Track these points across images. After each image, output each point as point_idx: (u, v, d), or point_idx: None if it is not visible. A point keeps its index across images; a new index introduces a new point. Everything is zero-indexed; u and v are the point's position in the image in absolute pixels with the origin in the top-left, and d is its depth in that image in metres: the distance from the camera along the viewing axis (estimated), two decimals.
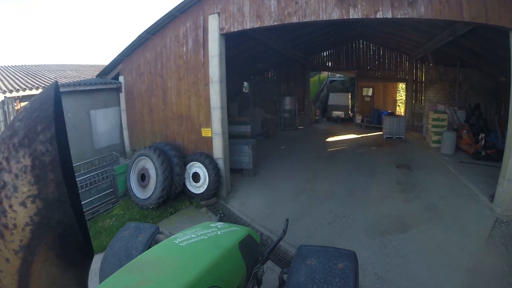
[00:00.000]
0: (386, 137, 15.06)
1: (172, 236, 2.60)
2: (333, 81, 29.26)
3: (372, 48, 18.09)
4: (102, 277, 2.65)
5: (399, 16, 6.33)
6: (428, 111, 14.58)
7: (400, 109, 19.01)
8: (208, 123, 8.49)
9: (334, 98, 20.47)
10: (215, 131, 8.33)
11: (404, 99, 18.12)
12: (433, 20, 6.61)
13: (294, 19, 7.08)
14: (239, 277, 2.48)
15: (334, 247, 2.68)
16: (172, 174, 7.90)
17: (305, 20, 6.99)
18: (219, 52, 7.98)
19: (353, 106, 19.94)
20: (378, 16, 6.44)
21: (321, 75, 25.93)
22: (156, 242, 2.87)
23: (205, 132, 8.54)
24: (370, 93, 19.10)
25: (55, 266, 0.94)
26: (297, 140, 15.02)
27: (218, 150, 8.34)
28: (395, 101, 18.91)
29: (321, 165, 10.88)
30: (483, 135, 11.28)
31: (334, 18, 6.76)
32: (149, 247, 2.80)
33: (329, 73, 29.25)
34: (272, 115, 17.67)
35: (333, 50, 18.77)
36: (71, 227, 0.93)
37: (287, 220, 4.00)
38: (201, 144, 8.72)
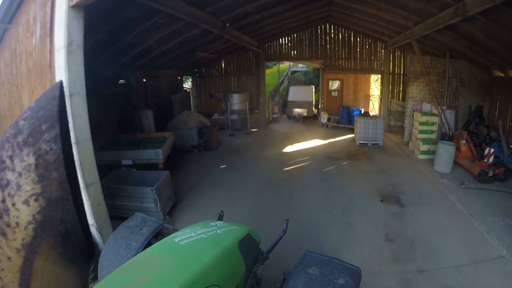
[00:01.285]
0: (360, 143, 11.80)
1: (172, 235, 2.55)
2: (295, 72, 25.93)
3: (341, 33, 14.71)
4: (101, 263, 2.45)
5: None
6: (412, 112, 11.45)
7: (374, 106, 15.81)
8: None
9: (295, 93, 17.03)
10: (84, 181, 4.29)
11: (379, 94, 14.94)
12: None
13: None
14: (239, 276, 2.44)
15: (340, 260, 2.46)
16: None
17: None
18: (68, 41, 4.05)
19: (318, 102, 16.50)
20: None
21: (281, 65, 22.31)
22: (157, 237, 2.84)
23: None
24: (337, 87, 15.77)
25: (57, 264, 0.99)
26: (245, 152, 11.36)
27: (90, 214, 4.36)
28: (368, 96, 15.74)
29: (272, 199, 7.28)
30: (492, 150, 8.19)
31: None
32: (149, 242, 2.69)
33: (291, 63, 25.86)
34: (221, 115, 14.13)
35: (294, 36, 15.21)
36: (73, 225, 0.98)
37: (287, 219, 3.91)
38: None
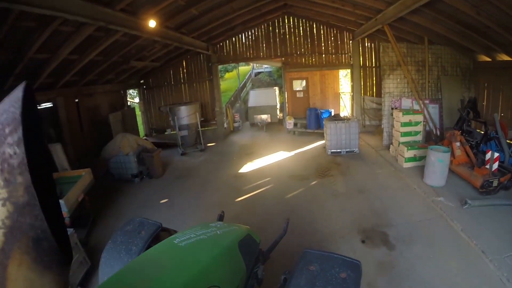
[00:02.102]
0: (332, 152, 9.84)
1: (172, 236, 2.53)
2: (259, 73, 23.96)
3: (302, 26, 12.79)
4: (103, 269, 2.62)
5: None
6: (391, 110, 9.62)
7: (345, 105, 13.95)
8: None
9: (256, 97, 15.07)
10: None
11: (350, 91, 13.08)
12: None
13: None
14: (239, 277, 2.40)
15: (339, 254, 2.48)
16: None
17: None
18: None
19: (283, 105, 14.49)
20: None
21: (242, 67, 20.26)
22: (157, 239, 2.86)
23: None
24: (303, 87, 13.81)
25: (31, 270, 0.90)
26: (194, 177, 9.24)
27: None
28: (338, 94, 13.82)
29: None
30: (496, 154, 6.39)
31: None
32: (149, 245, 2.73)
33: (254, 64, 23.85)
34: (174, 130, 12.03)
35: (248, 34, 13.15)
36: (43, 231, 0.90)
37: (287, 219, 3.97)
38: None
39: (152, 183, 9.02)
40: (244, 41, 13.19)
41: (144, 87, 14.32)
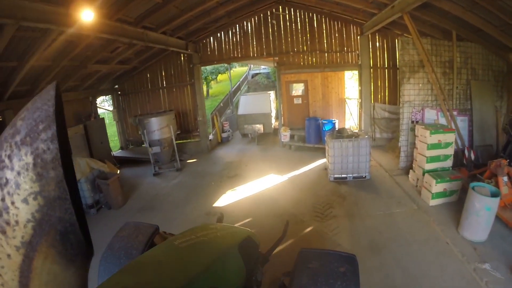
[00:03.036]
0: (335, 178, 7.73)
1: (171, 237, 2.55)
2: (256, 74, 21.84)
3: (300, 18, 10.66)
4: (101, 277, 2.57)
5: None
6: (410, 123, 7.54)
7: (352, 113, 11.77)
8: None
9: (247, 103, 13.01)
10: None
11: (358, 97, 10.92)
12: None
13: None
14: (239, 279, 2.39)
15: (334, 251, 2.60)
16: None
17: None
18: None
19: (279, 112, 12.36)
20: None
21: (238, 68, 18.25)
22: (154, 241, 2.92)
23: None
24: (301, 92, 11.67)
25: (56, 263, 0.93)
26: (158, 209, 7.44)
27: None
28: (343, 101, 11.60)
29: None
30: None
31: None
32: (149, 247, 2.74)
33: (251, 64, 21.73)
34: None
35: (236, 29, 11.04)
36: (71, 225, 0.92)
37: (287, 221, 3.93)
38: None
39: (109, 216, 7.34)
40: (231, 37, 11.08)
41: (119, 93, 12.31)
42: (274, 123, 12.87)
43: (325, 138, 8.27)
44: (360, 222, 5.86)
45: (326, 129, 9.91)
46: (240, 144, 12.62)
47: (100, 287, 1.65)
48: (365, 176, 7.75)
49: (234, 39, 11.04)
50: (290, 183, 8.07)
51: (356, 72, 11.94)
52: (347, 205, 6.56)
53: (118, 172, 9.02)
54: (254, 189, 7.83)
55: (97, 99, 11.79)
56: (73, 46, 7.07)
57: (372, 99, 10.36)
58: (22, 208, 0.88)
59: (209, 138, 12.03)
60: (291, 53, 10.86)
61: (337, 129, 9.53)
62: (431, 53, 7.55)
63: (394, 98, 10.28)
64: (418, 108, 7.80)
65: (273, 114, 12.82)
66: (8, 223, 0.89)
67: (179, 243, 2.28)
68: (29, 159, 0.89)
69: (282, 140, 11.07)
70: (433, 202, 6.11)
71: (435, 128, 6.52)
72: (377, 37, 10.20)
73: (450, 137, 6.48)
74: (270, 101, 12.86)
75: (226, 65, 18.87)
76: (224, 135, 13.15)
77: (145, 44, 8.20)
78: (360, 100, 10.66)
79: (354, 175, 7.73)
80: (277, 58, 10.97)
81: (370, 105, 10.35)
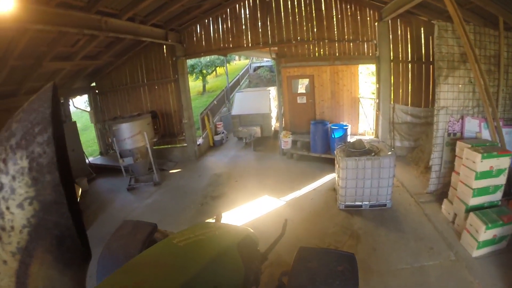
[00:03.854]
0: (346, 207, 5.98)
1: (170, 236, 2.48)
2: (259, 67, 19.98)
3: (305, 0, 8.75)
4: (99, 277, 2.55)
5: None
6: (446, 137, 5.73)
7: (366, 116, 9.91)
8: None
9: (243, 102, 11.26)
10: None
11: (375, 96, 9.06)
12: None
13: None
14: (238, 277, 2.33)
15: (333, 249, 2.73)
16: None
17: None
18: None
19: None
20: None
21: (238, 61, 16.58)
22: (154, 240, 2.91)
23: None
24: (306, 89, 9.83)
25: (53, 268, 0.92)
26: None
27: None
28: (356, 100, 9.68)
29: None
30: None
31: None
32: (148, 245, 2.71)
33: (253, 57, 19.82)
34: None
35: (226, 13, 9.19)
36: (68, 229, 0.91)
37: (286, 220, 3.84)
38: None
39: None
40: (221, 24, 9.26)
41: (96, 91, 10.66)
42: (274, 124, 11.08)
43: (336, 152, 6.44)
44: (380, 284, 4.15)
45: (336, 136, 8.11)
46: (234, 149, 10.90)
47: (98, 287, 1.61)
48: (386, 204, 5.98)
49: (225, 26, 9.22)
50: (288, 210, 6.34)
51: (369, 66, 10.01)
52: (362, 252, 4.83)
53: (80, 193, 7.51)
54: (240, 218, 6.12)
55: (71, 100, 10.21)
56: (16, 42, 5.51)
57: (391, 99, 8.50)
58: (18, 214, 0.87)
59: (198, 143, 10.34)
60: (294, 42, 9.02)
61: (350, 139, 7.72)
62: (475, 45, 5.67)
63: (418, 99, 8.43)
64: (457, 117, 5.94)
65: (274, 114, 11.02)
66: (3, 229, 0.88)
67: (178, 242, 2.18)
68: (25, 163, 0.87)
69: (282, 147, 9.31)
70: (478, 253, 4.39)
71: (486, 149, 4.70)
72: (398, 23, 8.30)
73: (505, 162, 4.68)
74: (269, 99, 11.03)
75: (222, 57, 17.05)
76: (217, 138, 11.44)
77: (105, 35, 6.50)
78: (377, 100, 8.80)
79: (372, 202, 5.97)
80: (276, 48, 9.13)
81: (389, 107, 8.50)
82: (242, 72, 20.71)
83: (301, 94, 9.70)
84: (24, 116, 0.92)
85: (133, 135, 7.80)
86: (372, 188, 5.84)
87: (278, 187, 7.37)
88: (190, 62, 18.96)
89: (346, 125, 8.48)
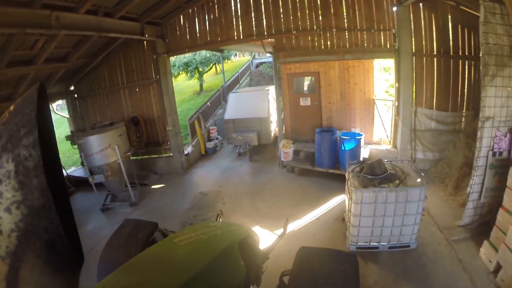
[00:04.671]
0: (358, 247, 4.51)
1: (171, 235, 2.51)
2: (261, 64, 18.58)
3: None
4: (100, 276, 2.55)
5: None
6: (491, 157, 4.21)
7: (382, 120, 8.36)
8: None
9: (237, 104, 9.87)
10: None
11: (395, 97, 7.52)
12: None
13: None
14: (239, 277, 2.29)
15: (335, 249, 2.58)
16: None
17: None
18: None
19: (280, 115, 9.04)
20: None
21: (240, 58, 15.34)
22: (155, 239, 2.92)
23: None
24: (310, 89, 8.33)
25: (44, 273, 0.90)
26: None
27: None
28: (371, 102, 8.10)
29: None
30: None
31: None
32: (149, 245, 2.73)
33: (256, 52, 18.33)
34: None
35: (214, 0, 7.75)
36: (58, 235, 0.90)
37: (287, 218, 3.87)
38: None
39: None
40: (207, 14, 7.84)
41: (75, 95, 9.43)
42: (274, 129, 9.64)
43: (347, 175, 4.98)
44: None
45: (346, 149, 6.66)
46: (228, 158, 9.53)
47: (98, 285, 1.53)
48: (410, 245, 4.54)
49: (212, 16, 7.79)
50: (284, 251, 4.94)
51: (381, 61, 8.44)
52: None
53: None
54: None
55: (51, 105, 9.04)
56: None
57: (413, 101, 6.98)
58: (5, 218, 0.85)
59: (186, 153, 9.02)
60: (294, 32, 7.55)
61: (363, 150, 6.23)
62: None
63: (445, 101, 6.94)
64: (504, 130, 4.45)
65: (273, 117, 9.58)
66: None
67: (179, 241, 2.11)
68: (11, 166, 0.85)
69: (282, 159, 7.90)
70: None
71: None
72: (421, 9, 6.75)
73: None
74: (268, 100, 9.57)
75: (218, 54, 15.60)
76: (210, 145, 10.08)
77: (54, 33, 5.19)
78: (396, 103, 7.29)
79: (392, 243, 4.53)
80: (273, 40, 7.68)
81: (410, 111, 6.99)
82: (243, 69, 19.30)
83: (305, 95, 8.21)
84: (9, 118, 0.89)
85: (101, 149, 6.56)
86: (394, 226, 4.39)
87: (273, 213, 6.02)
88: (184, 59, 17.60)
89: (359, 134, 7.01)
